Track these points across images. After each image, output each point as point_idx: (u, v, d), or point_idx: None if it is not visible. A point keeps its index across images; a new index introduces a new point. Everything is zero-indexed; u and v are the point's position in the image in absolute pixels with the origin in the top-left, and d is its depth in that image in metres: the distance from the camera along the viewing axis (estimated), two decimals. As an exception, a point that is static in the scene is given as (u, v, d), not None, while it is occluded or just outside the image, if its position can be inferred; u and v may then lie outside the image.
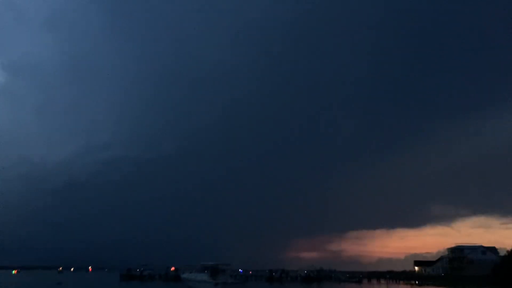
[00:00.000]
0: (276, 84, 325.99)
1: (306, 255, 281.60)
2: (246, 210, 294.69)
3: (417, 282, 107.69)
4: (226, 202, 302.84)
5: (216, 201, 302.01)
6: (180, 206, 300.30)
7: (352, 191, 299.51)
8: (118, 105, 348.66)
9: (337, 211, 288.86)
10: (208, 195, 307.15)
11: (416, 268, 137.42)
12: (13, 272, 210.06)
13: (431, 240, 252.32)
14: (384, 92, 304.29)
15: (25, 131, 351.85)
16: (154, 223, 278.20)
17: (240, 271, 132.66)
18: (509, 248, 72.28)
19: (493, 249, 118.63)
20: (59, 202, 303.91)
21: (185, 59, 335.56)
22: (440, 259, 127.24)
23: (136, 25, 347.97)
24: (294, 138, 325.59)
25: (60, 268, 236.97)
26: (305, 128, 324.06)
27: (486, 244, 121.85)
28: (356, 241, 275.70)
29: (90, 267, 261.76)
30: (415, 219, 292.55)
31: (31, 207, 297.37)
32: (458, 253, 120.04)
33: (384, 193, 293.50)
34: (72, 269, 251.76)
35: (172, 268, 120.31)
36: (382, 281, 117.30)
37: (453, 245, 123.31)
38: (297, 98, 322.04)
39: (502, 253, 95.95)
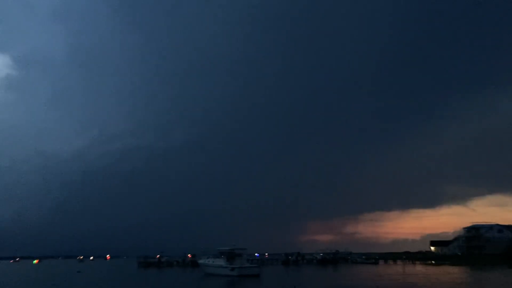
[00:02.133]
0: (290, 67, 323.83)
1: (322, 237, 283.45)
2: (261, 195, 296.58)
3: (433, 262, 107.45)
4: (240, 188, 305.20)
5: (230, 186, 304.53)
6: (195, 192, 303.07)
7: (366, 173, 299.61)
8: (130, 96, 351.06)
9: (352, 193, 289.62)
10: (222, 181, 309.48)
11: (432, 248, 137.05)
12: (34, 261, 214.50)
13: (447, 219, 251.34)
14: (393, 73, 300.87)
15: (39, 124, 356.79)
16: (169, 211, 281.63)
17: (256, 255, 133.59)
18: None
19: (509, 227, 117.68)
20: (76, 193, 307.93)
21: (195, 49, 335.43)
22: (457, 238, 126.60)
23: (145, 15, 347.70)
24: (309, 122, 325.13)
25: (81, 257, 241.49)
26: (320, 111, 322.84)
27: (502, 222, 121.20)
28: (371, 222, 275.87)
29: (108, 255, 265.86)
30: (430, 199, 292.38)
31: (49, 198, 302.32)
32: (475, 232, 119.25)
33: (398, 174, 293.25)
34: (91, 258, 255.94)
35: (189, 256, 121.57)
36: (399, 262, 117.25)
37: (469, 224, 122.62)
38: (311, 81, 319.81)
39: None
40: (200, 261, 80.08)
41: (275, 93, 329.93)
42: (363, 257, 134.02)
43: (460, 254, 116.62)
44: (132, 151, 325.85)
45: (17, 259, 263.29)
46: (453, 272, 66.02)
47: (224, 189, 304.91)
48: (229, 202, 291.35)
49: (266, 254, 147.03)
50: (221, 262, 68.82)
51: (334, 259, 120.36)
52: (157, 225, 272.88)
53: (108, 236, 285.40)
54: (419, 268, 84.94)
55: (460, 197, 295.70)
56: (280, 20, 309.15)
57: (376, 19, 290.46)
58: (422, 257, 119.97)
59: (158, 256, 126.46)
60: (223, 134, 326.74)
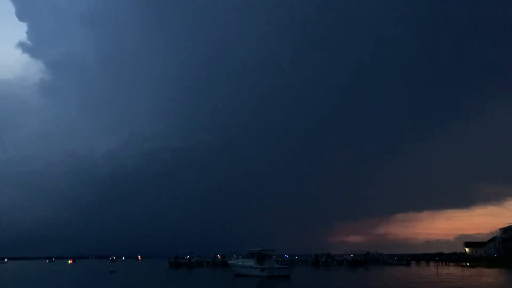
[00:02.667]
0: (315, 69, 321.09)
1: (352, 239, 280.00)
2: (290, 195, 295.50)
3: (468, 264, 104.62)
4: (270, 189, 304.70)
5: (260, 187, 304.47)
6: (224, 194, 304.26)
7: (397, 172, 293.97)
8: (158, 98, 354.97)
9: (382, 194, 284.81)
10: (251, 182, 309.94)
11: (467, 249, 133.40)
12: (69, 262, 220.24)
13: (482, 220, 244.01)
14: (427, 69, 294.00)
15: (71, 127, 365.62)
16: (199, 212, 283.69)
17: (285, 256, 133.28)
18: None
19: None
20: (107, 194, 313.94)
21: (222, 50, 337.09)
22: (493, 239, 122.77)
23: (173, 17, 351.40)
24: (338, 121, 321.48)
25: (114, 257, 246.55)
26: (349, 110, 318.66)
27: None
28: (402, 223, 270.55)
29: (139, 256, 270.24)
30: (463, 199, 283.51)
31: (81, 200, 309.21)
32: (511, 233, 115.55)
33: (430, 174, 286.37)
34: (123, 258, 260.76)
35: (219, 256, 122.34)
36: (431, 263, 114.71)
37: (505, 225, 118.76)
38: (338, 80, 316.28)
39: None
40: (230, 262, 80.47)
41: (304, 93, 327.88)
42: (395, 258, 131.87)
43: (496, 255, 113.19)
44: (161, 152, 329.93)
45: (52, 259, 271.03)
46: (490, 274, 64.04)
47: (254, 189, 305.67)
48: (258, 203, 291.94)
49: (296, 256, 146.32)
50: (251, 262, 68.88)
51: (365, 261, 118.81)
52: (187, 225, 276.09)
53: (139, 236, 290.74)
54: (453, 270, 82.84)
55: (495, 197, 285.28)
56: (310, 19, 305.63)
57: (409, 14, 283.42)
58: (456, 258, 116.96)
59: (187, 256, 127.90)
60: (251, 135, 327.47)
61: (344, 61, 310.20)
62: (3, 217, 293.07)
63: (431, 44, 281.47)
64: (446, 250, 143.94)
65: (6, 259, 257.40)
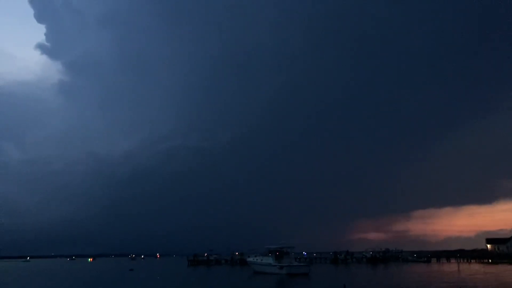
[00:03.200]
0: (332, 62, 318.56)
1: (371, 236, 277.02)
2: (309, 193, 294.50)
3: (490, 260, 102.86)
4: (288, 186, 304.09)
5: (277, 185, 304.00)
6: (241, 192, 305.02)
7: (417, 169, 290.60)
8: (176, 97, 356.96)
9: (402, 191, 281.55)
10: (269, 179, 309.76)
11: (489, 246, 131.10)
12: (89, 260, 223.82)
13: (504, 216, 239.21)
14: (445, 64, 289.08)
15: (90, 127, 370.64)
16: (217, 210, 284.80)
17: (304, 254, 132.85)
18: None
19: None
20: (126, 193, 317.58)
21: (239, 51, 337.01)
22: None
23: (189, 18, 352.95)
24: (354, 118, 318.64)
25: (133, 255, 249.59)
26: (366, 107, 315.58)
27: None
28: (422, 220, 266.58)
29: (158, 254, 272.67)
30: (485, 195, 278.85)
31: (101, 199, 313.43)
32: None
33: (450, 169, 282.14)
34: (142, 256, 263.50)
35: (237, 254, 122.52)
36: (452, 260, 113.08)
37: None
38: (354, 76, 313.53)
39: None
40: (249, 259, 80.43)
41: (321, 90, 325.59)
42: (414, 255, 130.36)
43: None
44: (179, 152, 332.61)
45: (73, 257, 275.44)
46: (513, 271, 62.78)
47: (271, 187, 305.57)
48: (277, 200, 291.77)
49: (314, 253, 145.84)
50: (269, 260, 68.80)
51: (384, 258, 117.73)
52: (205, 223, 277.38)
53: (158, 235, 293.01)
54: (475, 266, 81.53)
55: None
56: (323, 13, 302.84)
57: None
58: (477, 255, 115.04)
59: (206, 254, 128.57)
60: (268, 132, 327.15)
61: (363, 55, 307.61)
62: (24, 217, 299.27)
63: (459, 37, 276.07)
64: (467, 247, 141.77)
65: (28, 258, 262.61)
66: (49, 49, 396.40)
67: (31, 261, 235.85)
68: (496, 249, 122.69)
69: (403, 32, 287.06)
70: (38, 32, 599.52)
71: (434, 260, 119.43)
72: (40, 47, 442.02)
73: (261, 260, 72.84)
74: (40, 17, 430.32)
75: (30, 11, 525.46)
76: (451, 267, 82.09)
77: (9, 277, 76.27)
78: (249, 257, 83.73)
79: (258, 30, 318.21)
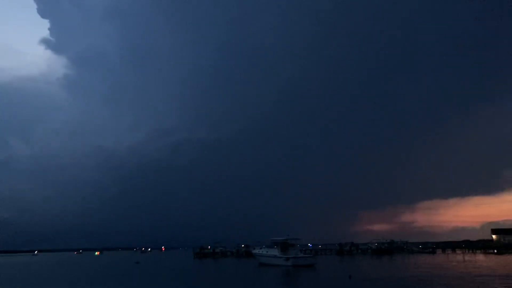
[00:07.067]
0: (334, 56, 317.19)
1: (376, 227, 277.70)
2: (315, 185, 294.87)
3: (495, 251, 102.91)
4: (293, 178, 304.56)
5: (283, 177, 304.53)
6: (247, 184, 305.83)
7: (422, 159, 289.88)
8: (182, 90, 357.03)
9: (407, 181, 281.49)
10: (274, 172, 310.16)
11: (494, 236, 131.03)
12: (96, 253, 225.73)
13: (510, 206, 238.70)
14: (450, 52, 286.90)
15: (96, 121, 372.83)
16: (222, 203, 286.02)
17: (309, 246, 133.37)
18: None
19: None
20: (132, 187, 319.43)
21: (242, 43, 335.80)
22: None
23: (193, 12, 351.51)
24: (359, 109, 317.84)
25: (143, 248, 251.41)
26: (369, 98, 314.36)
27: None
28: (427, 211, 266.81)
29: (163, 247, 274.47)
30: (491, 185, 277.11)
31: (108, 193, 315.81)
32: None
33: (457, 160, 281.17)
34: (149, 250, 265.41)
35: (243, 246, 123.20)
36: (458, 251, 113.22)
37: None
38: (357, 67, 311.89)
39: None
40: (254, 251, 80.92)
41: (328, 83, 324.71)
42: (420, 246, 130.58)
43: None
44: (185, 144, 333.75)
45: (80, 251, 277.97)
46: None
47: (276, 179, 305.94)
48: (282, 192, 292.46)
49: (320, 245, 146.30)
50: (275, 252, 69.22)
51: (389, 249, 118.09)
52: (211, 216, 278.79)
53: (164, 228, 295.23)
54: (480, 257, 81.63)
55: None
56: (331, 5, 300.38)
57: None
58: (483, 246, 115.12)
59: (209, 247, 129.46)
60: (274, 126, 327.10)
61: (371, 49, 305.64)
62: (32, 211, 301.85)
63: (461, 26, 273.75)
64: (472, 238, 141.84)
65: (36, 251, 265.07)
66: (53, 44, 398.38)
67: (39, 255, 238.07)
68: (502, 239, 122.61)
69: (407, 26, 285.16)
70: (42, 27, 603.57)
71: (439, 251, 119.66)
72: (45, 42, 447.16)
73: (267, 252, 73.30)
74: (43, 12, 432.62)
75: (34, 6, 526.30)
76: (456, 258, 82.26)
77: (16, 271, 77.16)
78: (254, 249, 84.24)
79: (267, 20, 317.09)
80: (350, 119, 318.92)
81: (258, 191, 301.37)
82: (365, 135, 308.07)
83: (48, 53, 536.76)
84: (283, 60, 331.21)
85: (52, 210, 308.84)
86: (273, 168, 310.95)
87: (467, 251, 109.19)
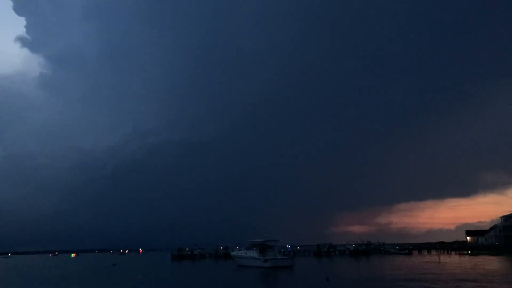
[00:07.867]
0: (317, 57, 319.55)
1: (354, 229, 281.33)
2: (293, 187, 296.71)
3: (469, 252, 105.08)
4: (272, 180, 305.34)
5: (261, 179, 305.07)
6: (226, 186, 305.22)
7: (398, 162, 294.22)
8: (161, 92, 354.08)
9: (384, 184, 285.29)
10: (254, 174, 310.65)
11: (468, 238, 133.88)
12: (72, 255, 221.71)
13: (484, 208, 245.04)
14: (427, 56, 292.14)
15: (74, 121, 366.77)
16: (201, 205, 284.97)
17: (288, 247, 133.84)
18: None
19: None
20: (110, 188, 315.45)
21: (221, 44, 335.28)
22: (494, 227, 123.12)
23: (172, 12, 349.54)
24: (338, 110, 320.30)
25: (121, 250, 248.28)
26: (352, 100, 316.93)
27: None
28: (404, 213, 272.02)
29: (140, 249, 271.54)
30: (465, 188, 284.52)
31: (85, 194, 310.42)
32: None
33: (432, 163, 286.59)
34: (126, 251, 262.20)
35: (222, 248, 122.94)
36: (433, 252, 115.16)
37: (507, 213, 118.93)
38: (337, 67, 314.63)
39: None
40: (233, 253, 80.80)
41: (306, 84, 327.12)
42: (396, 248, 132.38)
43: (497, 243, 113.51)
44: (164, 146, 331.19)
45: (56, 253, 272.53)
46: (491, 262, 64.29)
47: (256, 181, 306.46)
48: (261, 195, 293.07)
49: (298, 247, 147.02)
50: (253, 254, 69.20)
51: (367, 250, 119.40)
52: (189, 218, 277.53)
53: (142, 230, 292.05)
54: (454, 258, 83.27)
55: (497, 186, 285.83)
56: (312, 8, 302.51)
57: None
58: (457, 247, 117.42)
59: (187, 248, 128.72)
60: (254, 127, 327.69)
61: (349, 50, 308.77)
62: (7, 212, 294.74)
63: (438, 29, 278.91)
64: (447, 239, 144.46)
65: (9, 254, 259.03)
66: (29, 42, 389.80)
67: (12, 257, 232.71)
68: (476, 240, 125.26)
69: (386, 27, 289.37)
70: (18, 25, 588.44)
71: (415, 252, 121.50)
72: (20, 39, 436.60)
73: (245, 253, 73.24)
74: (19, 10, 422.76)
75: (9, 3, 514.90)
76: (431, 258, 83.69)
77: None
78: (233, 251, 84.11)
79: (245, 22, 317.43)
80: (328, 121, 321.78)
81: (237, 193, 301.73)
82: (343, 138, 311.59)
83: (24, 51, 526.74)
84: (263, 61, 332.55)
85: (27, 212, 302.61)
86: (252, 170, 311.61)
87: (442, 252, 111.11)
